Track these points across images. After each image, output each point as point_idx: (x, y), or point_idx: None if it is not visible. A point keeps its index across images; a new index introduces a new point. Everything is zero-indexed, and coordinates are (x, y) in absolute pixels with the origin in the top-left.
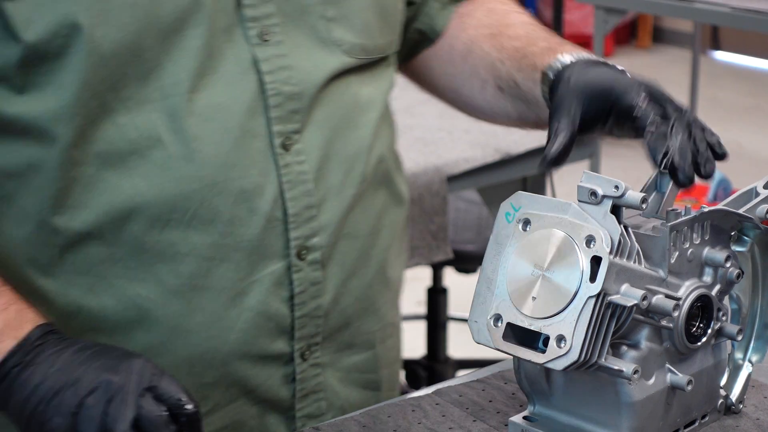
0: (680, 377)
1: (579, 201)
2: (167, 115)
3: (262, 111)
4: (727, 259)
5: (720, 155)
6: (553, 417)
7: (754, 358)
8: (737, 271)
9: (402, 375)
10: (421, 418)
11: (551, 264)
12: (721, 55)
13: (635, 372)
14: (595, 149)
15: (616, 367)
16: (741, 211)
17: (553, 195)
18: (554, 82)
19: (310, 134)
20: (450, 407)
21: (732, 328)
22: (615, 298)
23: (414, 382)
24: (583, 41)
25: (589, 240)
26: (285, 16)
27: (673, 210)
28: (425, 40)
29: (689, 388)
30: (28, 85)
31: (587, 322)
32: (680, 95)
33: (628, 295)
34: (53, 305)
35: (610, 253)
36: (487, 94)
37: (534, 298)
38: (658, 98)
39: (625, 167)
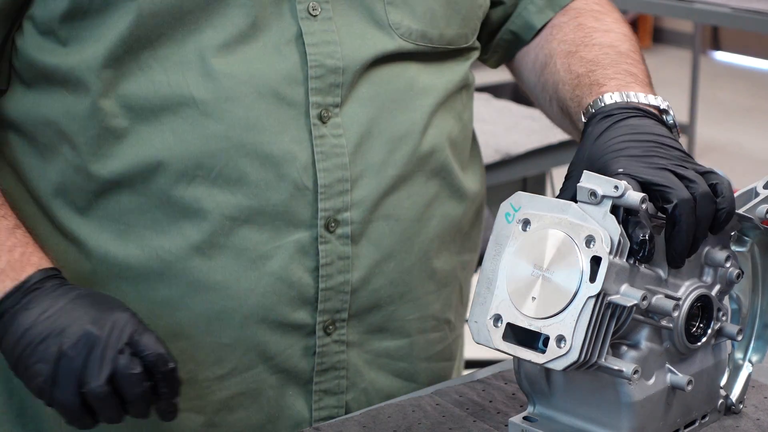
0: (680, 377)
1: (579, 201)
2: (202, 75)
3: (302, 81)
4: (727, 259)
5: (720, 224)
6: (553, 417)
7: (754, 358)
8: (737, 271)
9: None
10: (421, 418)
11: (551, 264)
12: (721, 56)
13: (635, 372)
14: None
15: (616, 367)
16: (741, 211)
17: (554, 195)
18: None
19: (352, 110)
20: (450, 407)
21: (732, 328)
22: (615, 298)
23: None
24: None
25: (589, 240)
26: None
27: None
28: (519, 41)
29: (689, 388)
30: (71, 38)
31: (587, 323)
32: (680, 95)
33: (627, 295)
34: (84, 248)
35: (610, 253)
36: (553, 110)
37: (534, 298)
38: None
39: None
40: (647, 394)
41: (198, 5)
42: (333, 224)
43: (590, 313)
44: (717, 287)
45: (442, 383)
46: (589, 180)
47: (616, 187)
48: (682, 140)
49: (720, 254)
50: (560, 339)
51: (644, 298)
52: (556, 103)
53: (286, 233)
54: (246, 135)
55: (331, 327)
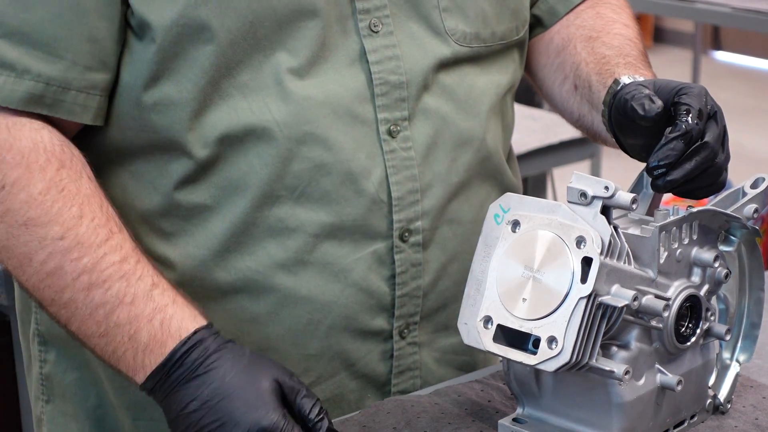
0: (670, 377)
1: (569, 202)
2: (282, 99)
3: (369, 99)
4: (716, 259)
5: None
6: (543, 419)
7: (742, 358)
8: (725, 270)
9: None
10: (420, 412)
11: (541, 265)
12: (721, 55)
13: (626, 372)
14: (596, 149)
15: (607, 368)
16: (729, 210)
17: (554, 195)
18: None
19: (419, 122)
20: (449, 407)
21: (720, 328)
22: (606, 298)
23: None
24: None
25: (580, 241)
26: (397, 7)
27: (660, 210)
28: (539, 25)
29: (679, 388)
30: (157, 77)
31: (578, 323)
32: None
33: (618, 295)
34: (172, 271)
35: (601, 253)
36: (563, 89)
37: (524, 300)
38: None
39: (626, 167)
40: (638, 394)
41: (272, 29)
42: (406, 234)
43: (582, 314)
44: (705, 287)
45: (441, 383)
46: (579, 181)
47: (606, 188)
48: None
49: (708, 254)
50: (551, 340)
51: (635, 298)
52: (571, 81)
53: (364, 245)
54: (326, 155)
55: (405, 331)
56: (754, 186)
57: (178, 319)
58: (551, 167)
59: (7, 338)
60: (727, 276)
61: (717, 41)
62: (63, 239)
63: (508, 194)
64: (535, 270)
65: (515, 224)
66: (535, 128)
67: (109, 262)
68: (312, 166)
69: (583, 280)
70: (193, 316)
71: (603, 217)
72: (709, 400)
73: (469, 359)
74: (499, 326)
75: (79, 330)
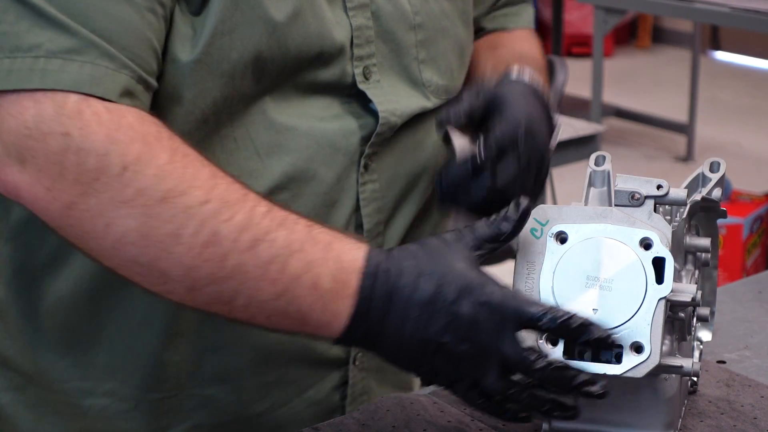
0: (695, 364)
1: (617, 205)
2: (266, 129)
3: (357, 131)
4: (710, 244)
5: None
6: (575, 429)
7: (705, 338)
8: (709, 255)
9: None
10: (419, 410)
11: (608, 273)
12: (721, 55)
13: (693, 366)
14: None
15: (677, 364)
16: (699, 195)
17: (553, 195)
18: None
19: (383, 156)
20: (448, 406)
21: (704, 311)
22: (672, 295)
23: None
24: (583, 41)
25: (645, 242)
26: (383, 56)
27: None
28: None
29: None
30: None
31: (661, 325)
32: (680, 95)
33: (683, 291)
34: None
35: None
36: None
37: (595, 310)
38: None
39: (625, 168)
40: (676, 386)
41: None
42: None
43: (663, 314)
44: (697, 273)
45: None
46: (626, 182)
47: (660, 186)
48: (682, 140)
49: (703, 240)
50: (636, 346)
51: (697, 291)
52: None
53: None
54: (304, 184)
55: (357, 356)
56: (712, 170)
57: (347, 252)
58: (550, 167)
59: None
60: (708, 262)
61: (716, 41)
62: (209, 202)
63: (543, 206)
64: (601, 279)
65: (561, 236)
66: None
67: (260, 214)
68: (290, 196)
69: (659, 280)
70: (356, 245)
71: (659, 216)
72: (689, 383)
73: (406, 377)
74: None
75: (251, 301)
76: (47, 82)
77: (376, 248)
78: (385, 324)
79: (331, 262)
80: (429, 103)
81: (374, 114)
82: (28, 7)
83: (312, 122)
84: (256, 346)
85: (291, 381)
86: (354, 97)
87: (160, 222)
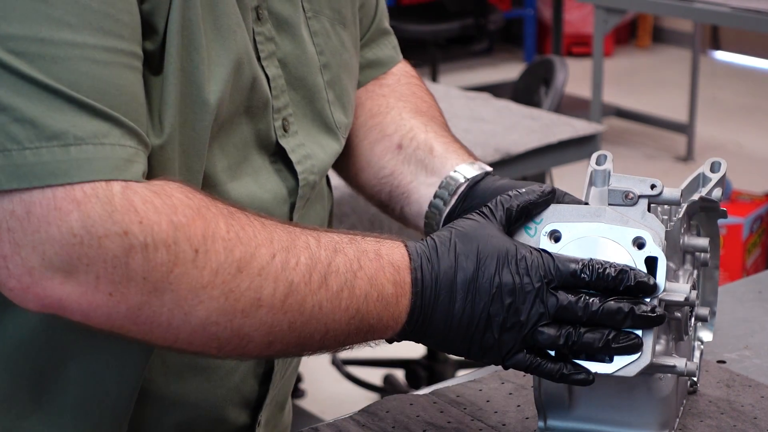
0: (692, 364)
1: (610, 204)
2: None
3: (287, 198)
4: (709, 243)
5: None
6: (571, 428)
7: (705, 339)
8: (708, 254)
9: (402, 375)
10: (419, 411)
11: None
12: (721, 55)
13: (686, 365)
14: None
15: (670, 363)
16: (698, 195)
17: None
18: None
19: (305, 211)
20: (448, 407)
21: (703, 311)
22: (665, 294)
23: (414, 382)
24: (583, 41)
25: (638, 241)
26: (295, 105)
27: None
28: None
29: (698, 373)
30: None
31: None
32: (680, 95)
33: (677, 290)
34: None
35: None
36: (376, 147)
37: None
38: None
39: (625, 168)
40: (672, 386)
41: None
42: None
43: None
44: (695, 273)
45: (440, 384)
46: (620, 182)
47: (653, 186)
48: (682, 140)
49: (701, 240)
50: None
51: (691, 290)
52: (396, 140)
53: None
54: None
55: (261, 416)
56: (713, 170)
57: (393, 253)
58: (550, 167)
59: None
60: (707, 262)
61: (716, 41)
62: (275, 255)
63: None
64: None
65: (555, 235)
66: (533, 128)
67: (315, 246)
68: None
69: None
70: (395, 243)
71: (652, 215)
72: (688, 383)
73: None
74: None
75: (328, 332)
76: (83, 174)
77: (409, 240)
78: (434, 311)
79: (386, 268)
80: (339, 147)
81: (295, 174)
82: (39, 86)
83: (253, 192)
84: (181, 415)
85: None
86: (278, 155)
87: (239, 293)
